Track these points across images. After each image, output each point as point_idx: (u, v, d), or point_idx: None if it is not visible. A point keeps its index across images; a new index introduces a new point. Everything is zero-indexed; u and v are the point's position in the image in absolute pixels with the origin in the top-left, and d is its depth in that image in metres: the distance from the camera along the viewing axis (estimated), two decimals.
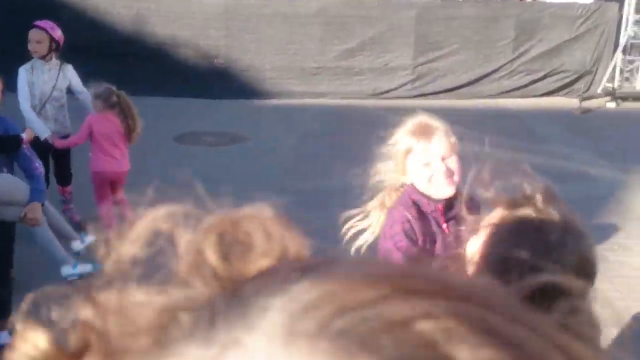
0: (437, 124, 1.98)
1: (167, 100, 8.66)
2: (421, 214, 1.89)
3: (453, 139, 1.95)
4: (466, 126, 7.83)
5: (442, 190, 1.89)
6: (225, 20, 9.67)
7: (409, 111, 7.99)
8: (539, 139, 7.39)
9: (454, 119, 8.53)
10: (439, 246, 1.89)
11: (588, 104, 9.00)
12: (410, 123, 2.00)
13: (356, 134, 7.73)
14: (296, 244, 0.33)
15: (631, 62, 9.64)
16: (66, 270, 3.79)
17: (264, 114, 8.95)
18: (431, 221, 1.90)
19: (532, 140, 7.29)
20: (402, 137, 1.97)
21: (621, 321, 3.53)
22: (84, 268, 3.84)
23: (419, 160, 1.89)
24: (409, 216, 1.87)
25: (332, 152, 7.00)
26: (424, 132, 1.93)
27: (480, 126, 8.03)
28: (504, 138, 7.41)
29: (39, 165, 3.60)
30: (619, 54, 9.43)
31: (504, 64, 9.61)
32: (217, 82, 9.52)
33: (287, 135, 7.66)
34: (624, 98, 9.43)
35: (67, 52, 6.97)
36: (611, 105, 9.22)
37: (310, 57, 9.82)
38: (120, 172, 4.56)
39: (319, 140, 7.60)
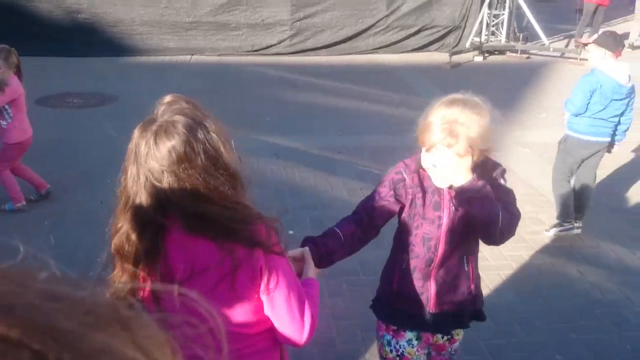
0: (460, 108, 1.74)
1: (27, 60, 7.86)
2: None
3: (472, 132, 1.69)
4: (346, 81, 7.98)
5: (436, 182, 1.83)
6: None
7: (288, 67, 7.89)
8: (412, 92, 7.59)
9: (333, 75, 8.57)
10: (429, 204, 1.86)
11: (457, 58, 9.37)
12: (446, 98, 1.80)
13: (235, 92, 7.55)
14: None
15: (496, 16, 10.09)
16: None
17: (134, 72, 8.46)
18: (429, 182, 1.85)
19: (406, 93, 7.47)
20: (431, 110, 1.77)
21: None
22: None
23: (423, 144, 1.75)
24: (404, 171, 1.87)
25: (210, 111, 6.78)
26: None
27: (359, 81, 8.16)
28: (381, 92, 7.58)
29: None
30: (485, 9, 9.83)
31: (379, 20, 9.73)
32: (81, 38, 8.86)
33: (161, 94, 7.26)
34: (490, 52, 9.91)
35: None
36: (479, 59, 9.66)
37: (182, 11, 9.39)
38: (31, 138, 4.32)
39: (195, 98, 7.31)
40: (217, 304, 1.25)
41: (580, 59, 8.81)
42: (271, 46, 9.68)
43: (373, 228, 1.91)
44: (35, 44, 8.13)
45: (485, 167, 1.83)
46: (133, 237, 1.27)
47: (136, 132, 1.28)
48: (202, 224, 1.26)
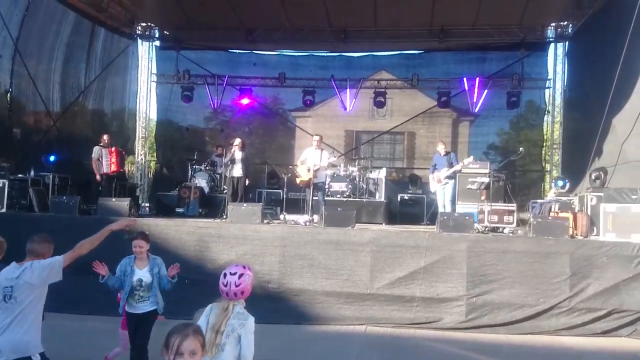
0: None
1: None
2: None
3: None
4: None
5: None
6: (280, 246, 10.03)
7: (464, 344, 7.74)
8: None
9: (514, 355, 8.16)
10: None
11: None
12: None
13: None
14: None
15: None
16: None
17: (313, 340, 8.78)
18: None
19: None
20: None
21: None
22: None
23: None
24: None
25: None
26: None
27: None
28: None
29: None
30: None
31: (562, 301, 9.36)
32: (269, 305, 9.57)
33: None
34: None
35: None
36: None
37: (361, 284, 9.86)
38: None
39: None
40: None
41: None
42: (445, 320, 9.62)
43: None
44: None
45: None
46: None
47: None
48: None
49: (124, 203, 10.98)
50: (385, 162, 19.59)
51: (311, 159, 12.09)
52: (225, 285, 4.06)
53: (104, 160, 12.83)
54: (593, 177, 11.64)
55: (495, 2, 15.21)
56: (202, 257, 9.77)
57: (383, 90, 18.15)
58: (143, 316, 6.14)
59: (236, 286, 4.06)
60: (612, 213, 9.89)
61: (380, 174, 14.68)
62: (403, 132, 19.89)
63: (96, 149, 12.86)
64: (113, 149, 13.15)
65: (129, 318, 6.22)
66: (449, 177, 12.62)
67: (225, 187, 12.95)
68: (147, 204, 15.99)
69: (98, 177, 12.78)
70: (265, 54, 19.23)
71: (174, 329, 3.34)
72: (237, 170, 12.69)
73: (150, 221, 10.74)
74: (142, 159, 18.91)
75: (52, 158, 13.72)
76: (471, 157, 12.81)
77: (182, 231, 10.17)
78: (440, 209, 12.42)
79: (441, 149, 13.21)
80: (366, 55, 18.93)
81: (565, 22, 16.91)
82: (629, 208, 9.76)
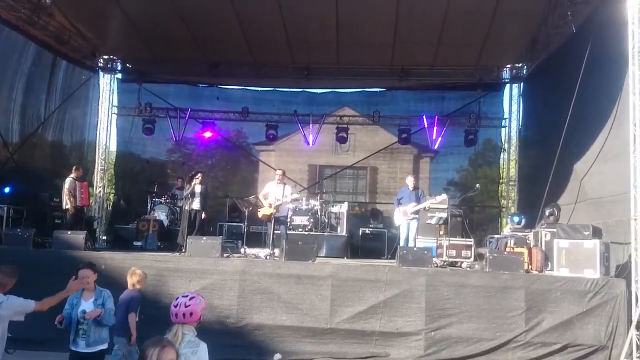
0: None
1: None
2: None
3: None
4: None
5: None
6: (240, 280, 9.95)
7: None
8: None
9: None
10: None
11: None
12: None
13: None
14: None
15: None
16: None
17: None
18: None
19: None
20: None
21: None
22: None
23: None
24: None
25: None
26: None
27: None
28: None
29: None
30: (633, 330, 9.29)
31: (518, 335, 9.49)
32: (228, 341, 9.43)
33: None
34: None
35: None
36: None
37: (321, 318, 9.83)
38: None
39: None
40: None
41: None
42: (405, 355, 9.64)
43: None
44: None
45: None
46: None
47: None
48: None
49: (79, 236, 10.76)
50: (348, 196, 19.72)
51: (273, 193, 12.11)
52: (176, 307, 4.10)
53: (77, 193, 12.66)
54: (547, 213, 11.94)
55: (453, 44, 15.69)
56: (159, 291, 9.58)
57: (345, 126, 18.42)
58: (87, 357, 5.79)
59: (185, 307, 4.06)
60: (565, 249, 10.12)
61: (342, 208, 14.80)
62: (365, 167, 20.14)
63: (69, 180, 12.63)
64: (85, 183, 13.18)
65: (72, 358, 5.85)
66: (415, 213, 12.66)
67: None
68: (104, 237, 15.70)
69: (72, 209, 12.54)
70: (228, 88, 19.36)
71: (148, 342, 3.32)
72: (196, 204, 12.62)
73: (106, 254, 10.54)
74: (100, 191, 18.62)
75: (7, 190, 13.39)
76: (444, 196, 12.80)
77: (139, 265, 9.92)
78: (403, 243, 12.49)
79: (410, 182, 13.08)
80: (329, 92, 19.22)
81: (520, 64, 17.58)
82: (582, 244, 10.01)
